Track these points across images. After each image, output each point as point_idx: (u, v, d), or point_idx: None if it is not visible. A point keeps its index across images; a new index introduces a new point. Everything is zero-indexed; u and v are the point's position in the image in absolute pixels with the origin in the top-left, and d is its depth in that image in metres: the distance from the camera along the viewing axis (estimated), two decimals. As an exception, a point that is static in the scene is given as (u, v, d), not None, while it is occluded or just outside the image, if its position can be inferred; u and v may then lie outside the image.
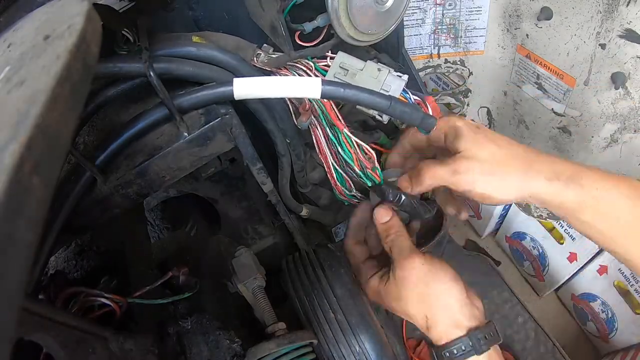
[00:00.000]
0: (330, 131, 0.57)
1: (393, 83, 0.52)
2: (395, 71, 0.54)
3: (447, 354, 0.48)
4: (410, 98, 0.54)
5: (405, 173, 0.55)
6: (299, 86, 0.43)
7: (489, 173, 0.47)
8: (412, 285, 0.51)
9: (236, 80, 0.43)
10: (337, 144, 0.57)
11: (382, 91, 0.52)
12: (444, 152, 0.52)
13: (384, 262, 0.58)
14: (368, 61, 0.54)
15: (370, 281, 0.56)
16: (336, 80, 0.53)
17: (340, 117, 0.55)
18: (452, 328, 0.49)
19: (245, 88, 0.43)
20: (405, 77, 0.53)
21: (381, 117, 0.55)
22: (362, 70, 0.53)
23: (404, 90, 0.53)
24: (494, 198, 0.48)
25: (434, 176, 0.50)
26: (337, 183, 0.62)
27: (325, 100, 0.54)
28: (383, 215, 0.56)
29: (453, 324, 0.50)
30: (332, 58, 0.54)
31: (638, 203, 0.46)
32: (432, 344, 0.51)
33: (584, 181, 0.47)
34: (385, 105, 0.46)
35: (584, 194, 0.47)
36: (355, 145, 0.56)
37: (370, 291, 0.56)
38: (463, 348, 0.48)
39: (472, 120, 0.96)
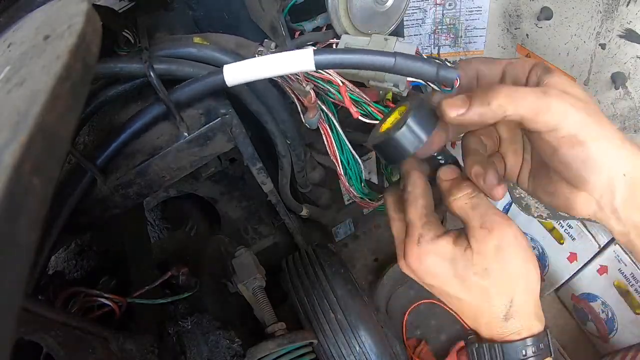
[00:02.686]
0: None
1: (403, 49, 0.47)
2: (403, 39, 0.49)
3: (524, 352, 0.39)
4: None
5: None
6: (290, 61, 0.39)
7: (585, 111, 0.35)
8: (510, 257, 0.39)
9: (226, 67, 0.41)
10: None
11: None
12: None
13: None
14: (373, 34, 0.50)
15: (440, 241, 0.41)
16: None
17: (352, 105, 0.49)
18: (534, 320, 0.41)
19: (236, 73, 0.41)
20: (415, 43, 0.49)
21: (397, 86, 0.48)
22: (368, 45, 0.49)
23: (416, 53, 0.47)
24: (588, 151, 0.35)
25: (514, 96, 0.35)
26: (346, 182, 0.61)
27: (339, 82, 0.49)
28: (449, 171, 0.44)
29: (536, 315, 0.41)
30: (336, 45, 0.53)
31: None
32: (492, 340, 0.41)
33: None
34: (390, 62, 0.39)
35: None
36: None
37: (435, 254, 0.41)
38: (541, 346, 0.40)
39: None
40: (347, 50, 0.41)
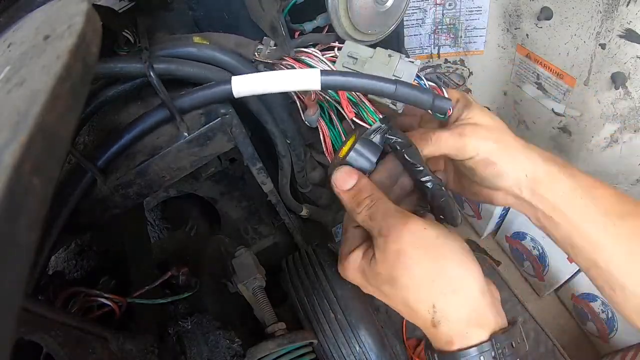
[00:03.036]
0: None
1: (405, 69, 0.49)
2: (407, 57, 0.52)
3: None
4: (424, 84, 0.50)
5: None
6: (298, 79, 0.41)
7: (494, 139, 0.45)
8: (413, 260, 0.37)
9: (234, 79, 0.43)
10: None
11: (393, 77, 0.48)
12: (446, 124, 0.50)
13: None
14: (378, 48, 0.51)
15: (350, 257, 0.42)
16: (345, 69, 0.49)
17: (348, 106, 0.50)
18: (470, 326, 0.36)
19: (243, 85, 0.43)
20: (418, 62, 0.50)
21: (395, 105, 0.50)
22: (371, 57, 0.50)
23: (417, 76, 0.49)
24: (499, 168, 0.44)
25: (439, 140, 0.45)
26: None
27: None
28: (345, 179, 0.43)
29: (472, 319, 0.37)
30: (339, 49, 0.53)
31: (621, 206, 0.42)
32: (434, 347, 0.38)
33: (576, 172, 0.44)
34: (391, 89, 0.42)
35: (577, 184, 0.43)
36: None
37: (349, 269, 0.42)
38: (483, 358, 0.35)
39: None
40: (353, 74, 0.43)
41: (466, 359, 0.35)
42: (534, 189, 0.45)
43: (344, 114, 0.51)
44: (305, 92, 0.53)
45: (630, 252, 0.40)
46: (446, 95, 0.46)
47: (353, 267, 0.42)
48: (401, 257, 0.37)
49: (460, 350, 0.36)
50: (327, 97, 0.53)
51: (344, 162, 0.45)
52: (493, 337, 0.36)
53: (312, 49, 0.52)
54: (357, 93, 0.51)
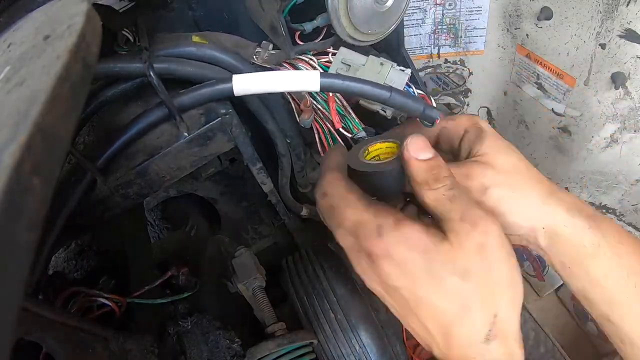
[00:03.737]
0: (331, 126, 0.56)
1: (396, 77, 0.52)
2: (398, 66, 0.53)
3: None
4: (414, 92, 0.53)
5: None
6: (297, 80, 0.43)
7: (507, 185, 0.39)
8: (494, 260, 0.33)
9: (235, 77, 0.43)
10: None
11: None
12: (455, 154, 0.44)
13: None
14: (370, 56, 0.54)
15: (408, 227, 0.33)
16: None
17: (336, 115, 0.54)
18: (517, 346, 0.33)
19: (244, 84, 0.43)
20: (408, 71, 0.53)
21: (385, 111, 0.54)
22: (364, 65, 0.53)
23: (407, 84, 0.53)
24: (506, 220, 0.39)
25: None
26: None
27: (330, 94, 0.54)
28: (422, 147, 0.35)
29: (518, 339, 0.34)
30: (333, 54, 0.54)
31: None
32: None
33: (604, 225, 0.39)
34: (385, 95, 0.44)
35: (603, 240, 0.38)
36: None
37: (405, 243, 0.33)
38: None
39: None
40: (351, 78, 0.44)
41: None
42: (553, 241, 0.40)
43: (328, 126, 0.54)
44: (301, 98, 0.55)
45: None
46: (434, 105, 0.48)
47: (412, 242, 0.33)
48: (484, 252, 0.32)
49: None
50: (317, 106, 0.55)
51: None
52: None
53: (309, 55, 0.53)
54: (344, 105, 0.53)
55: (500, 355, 0.32)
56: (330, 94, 0.53)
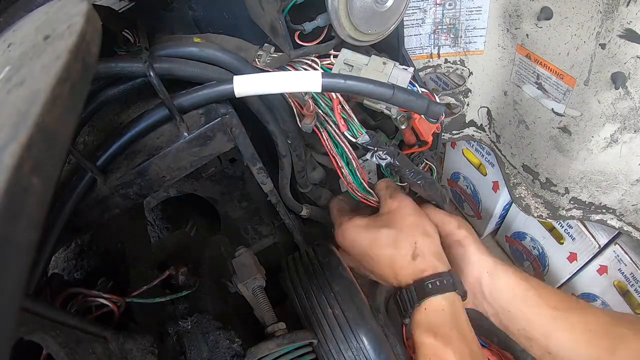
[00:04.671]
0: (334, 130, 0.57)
1: (399, 76, 0.52)
2: (400, 64, 0.53)
3: (430, 286, 0.50)
4: (417, 90, 0.53)
5: None
6: (299, 80, 0.43)
7: (468, 231, 0.63)
8: (406, 213, 0.56)
9: (236, 78, 0.43)
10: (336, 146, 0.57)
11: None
12: None
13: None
14: (373, 55, 0.53)
15: (355, 218, 0.59)
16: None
17: (342, 119, 0.54)
18: (436, 260, 0.53)
19: (245, 85, 0.43)
20: (411, 69, 0.53)
21: (389, 110, 0.55)
22: (367, 65, 0.52)
23: (410, 83, 0.52)
24: (465, 249, 0.62)
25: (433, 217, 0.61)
26: (349, 175, 0.62)
27: (333, 96, 0.53)
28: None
29: (437, 256, 0.53)
30: (335, 56, 0.54)
31: (565, 302, 0.54)
32: (407, 285, 0.52)
33: (526, 275, 0.59)
34: (389, 94, 0.45)
35: (529, 284, 0.57)
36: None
37: (353, 227, 0.58)
38: (445, 282, 0.51)
39: (472, 120, 0.96)
40: (353, 77, 0.45)
41: (434, 280, 0.50)
42: (491, 288, 0.57)
43: (333, 130, 0.56)
44: (304, 103, 0.55)
45: (575, 340, 0.51)
46: (438, 101, 0.51)
47: (358, 223, 0.57)
48: (400, 209, 0.56)
49: (432, 275, 0.51)
50: (320, 111, 0.55)
51: None
52: (450, 271, 0.52)
53: (311, 57, 0.53)
54: (347, 110, 0.54)
55: (424, 266, 0.52)
56: (335, 97, 0.53)
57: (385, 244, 0.54)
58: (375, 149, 0.55)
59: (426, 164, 0.67)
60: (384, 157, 0.56)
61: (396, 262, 0.53)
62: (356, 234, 0.57)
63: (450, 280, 0.51)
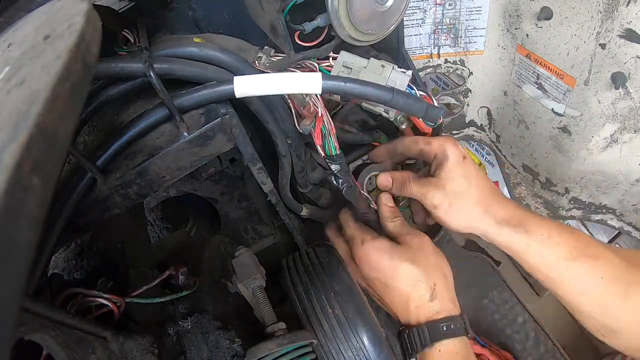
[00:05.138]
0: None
1: (398, 79, 0.52)
2: (399, 67, 0.54)
3: (445, 328, 0.51)
4: (415, 93, 0.53)
5: (387, 171, 0.64)
6: (299, 82, 0.43)
7: (449, 204, 0.56)
8: (429, 252, 0.57)
9: (237, 79, 0.43)
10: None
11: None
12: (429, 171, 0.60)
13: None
14: (371, 58, 0.54)
15: (379, 240, 0.59)
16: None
17: (319, 134, 0.56)
18: (451, 304, 0.54)
19: (246, 86, 0.43)
20: (410, 72, 0.53)
21: (388, 112, 0.55)
22: (365, 67, 0.53)
23: (409, 85, 0.53)
24: (448, 224, 0.57)
25: (410, 191, 0.60)
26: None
27: (319, 112, 0.54)
28: (390, 199, 0.64)
29: (452, 300, 0.55)
30: (334, 58, 0.54)
31: (575, 251, 0.52)
32: (419, 323, 0.53)
33: (531, 227, 0.53)
34: (388, 97, 0.46)
35: (530, 239, 0.53)
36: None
37: (376, 250, 0.58)
38: (458, 325, 0.52)
39: (472, 120, 0.96)
40: (353, 80, 0.45)
41: (448, 323, 0.51)
42: (490, 240, 0.56)
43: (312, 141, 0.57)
44: (304, 104, 0.55)
45: (585, 289, 0.52)
46: (436, 105, 0.52)
47: (381, 247, 0.58)
48: (422, 248, 0.57)
49: (446, 317, 0.52)
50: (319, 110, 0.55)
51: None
52: (462, 314, 0.54)
53: (311, 61, 0.53)
54: (329, 129, 0.55)
55: (440, 308, 0.53)
56: (320, 114, 0.54)
57: (405, 280, 0.55)
58: (335, 172, 0.58)
59: None
60: (338, 183, 0.59)
61: (413, 300, 0.54)
62: (379, 260, 0.57)
63: (462, 324, 0.52)
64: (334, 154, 0.56)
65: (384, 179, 0.63)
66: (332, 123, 0.55)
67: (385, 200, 0.63)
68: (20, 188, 0.16)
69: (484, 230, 0.55)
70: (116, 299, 0.48)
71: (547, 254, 0.53)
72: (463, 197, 0.55)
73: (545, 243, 0.53)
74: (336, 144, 0.56)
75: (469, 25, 0.81)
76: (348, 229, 0.64)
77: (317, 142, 0.55)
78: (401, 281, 0.55)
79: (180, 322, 0.56)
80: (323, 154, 0.57)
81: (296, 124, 0.57)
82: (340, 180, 0.59)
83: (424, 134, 0.63)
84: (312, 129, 0.55)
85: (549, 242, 0.53)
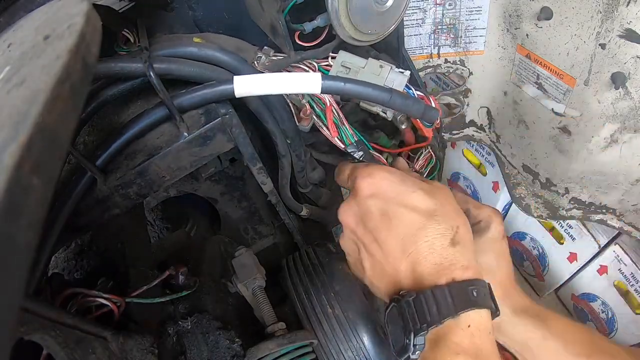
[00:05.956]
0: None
1: (395, 79, 0.52)
2: (398, 68, 0.54)
3: (475, 294, 0.36)
4: (413, 93, 0.54)
5: None
6: (299, 82, 0.43)
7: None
8: (451, 197, 0.45)
9: (236, 78, 0.43)
10: None
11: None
12: None
13: None
14: (370, 58, 0.54)
15: (388, 167, 0.48)
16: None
17: (333, 125, 0.55)
18: (475, 262, 0.40)
19: (245, 86, 0.43)
20: (408, 72, 0.53)
21: (385, 113, 0.55)
22: (364, 67, 0.53)
23: (406, 86, 0.53)
24: None
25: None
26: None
27: (327, 102, 0.54)
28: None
29: (473, 258, 0.41)
30: (333, 57, 0.54)
31: (594, 347, 0.50)
32: (427, 281, 0.38)
33: (550, 322, 0.52)
34: (386, 97, 0.46)
35: (548, 332, 0.50)
36: None
37: (381, 169, 0.44)
38: (489, 293, 0.38)
39: (472, 120, 0.96)
40: (352, 80, 0.45)
41: (482, 289, 0.37)
42: (500, 332, 0.51)
43: (327, 133, 0.56)
44: (301, 106, 0.55)
45: None
46: (434, 106, 0.51)
47: (389, 169, 0.44)
48: (444, 190, 0.44)
49: (474, 280, 0.37)
50: (314, 116, 0.56)
51: None
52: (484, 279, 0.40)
53: (310, 61, 0.54)
54: (340, 116, 0.54)
55: (466, 262, 0.37)
56: (328, 103, 0.53)
57: (419, 208, 0.39)
58: (361, 159, 0.56)
59: (429, 152, 0.66)
60: None
61: (426, 238, 0.38)
62: (387, 181, 0.42)
63: (489, 292, 0.39)
64: (352, 141, 0.55)
65: None
66: (340, 112, 0.55)
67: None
68: (20, 188, 0.16)
69: (498, 320, 0.41)
70: (116, 299, 0.48)
71: (562, 348, 0.50)
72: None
73: (563, 337, 0.50)
74: (351, 131, 0.55)
75: (469, 25, 0.81)
76: (345, 166, 0.50)
77: (334, 134, 0.54)
78: (413, 210, 0.39)
79: (180, 322, 0.56)
80: (343, 146, 0.55)
81: (297, 123, 0.57)
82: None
83: (423, 136, 0.63)
84: (325, 123, 0.55)
85: (566, 336, 0.51)
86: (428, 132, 0.62)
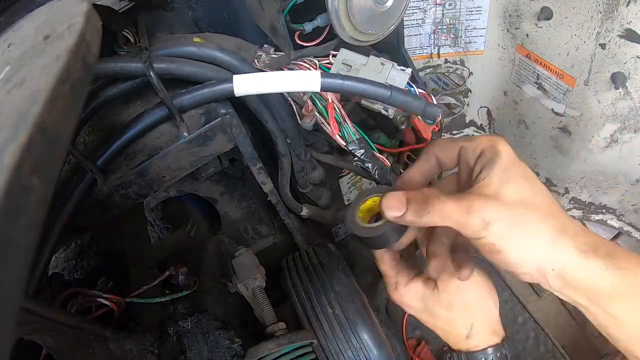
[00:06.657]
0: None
1: (397, 76, 0.52)
2: (400, 65, 0.53)
3: (483, 357, 0.50)
4: (414, 91, 0.53)
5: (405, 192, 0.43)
6: (298, 80, 0.43)
7: (511, 220, 0.36)
8: (467, 295, 0.48)
9: (236, 77, 0.43)
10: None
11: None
12: (469, 180, 0.42)
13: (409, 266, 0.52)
14: (371, 56, 0.54)
15: (412, 285, 0.49)
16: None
17: (334, 122, 0.54)
18: (491, 335, 0.51)
19: (245, 84, 0.43)
20: (409, 70, 0.53)
21: (387, 111, 0.55)
22: (365, 65, 0.53)
23: (408, 83, 0.53)
24: (508, 257, 0.37)
25: (441, 211, 0.38)
26: None
27: (329, 99, 0.54)
28: (394, 206, 0.42)
29: (492, 331, 0.51)
30: (334, 56, 0.54)
31: None
32: (460, 351, 0.52)
33: (623, 262, 0.36)
34: (386, 94, 0.45)
35: (621, 278, 0.36)
36: None
37: (410, 295, 0.50)
38: (498, 355, 0.50)
39: (472, 120, 0.96)
40: (351, 78, 0.45)
41: (487, 353, 0.50)
42: (565, 283, 0.37)
43: (329, 130, 0.55)
44: (302, 103, 0.55)
45: None
46: (435, 103, 0.51)
47: (415, 293, 0.50)
48: (460, 290, 0.48)
49: (485, 348, 0.50)
50: (316, 113, 0.55)
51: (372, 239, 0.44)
52: (504, 341, 0.50)
53: (310, 57, 0.53)
54: (342, 113, 0.54)
55: (477, 343, 0.50)
56: (330, 100, 0.53)
57: (440, 323, 0.52)
58: (362, 157, 0.55)
59: None
60: (367, 168, 0.56)
61: (450, 337, 0.52)
62: (414, 305, 0.51)
63: (502, 352, 0.50)
64: (354, 139, 0.55)
65: (393, 201, 0.41)
66: (342, 109, 0.55)
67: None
68: (20, 188, 0.16)
69: (561, 262, 0.36)
70: (116, 299, 0.48)
71: (638, 301, 0.37)
72: (529, 208, 0.36)
73: (638, 287, 0.36)
74: (353, 129, 0.55)
75: (469, 25, 0.81)
76: (382, 264, 0.51)
77: (335, 132, 0.54)
78: (437, 323, 0.52)
79: (180, 322, 0.56)
80: (344, 143, 0.55)
81: (298, 121, 0.57)
82: (370, 165, 0.56)
83: (423, 137, 0.63)
84: (327, 119, 0.54)
85: None
86: (427, 134, 0.62)
